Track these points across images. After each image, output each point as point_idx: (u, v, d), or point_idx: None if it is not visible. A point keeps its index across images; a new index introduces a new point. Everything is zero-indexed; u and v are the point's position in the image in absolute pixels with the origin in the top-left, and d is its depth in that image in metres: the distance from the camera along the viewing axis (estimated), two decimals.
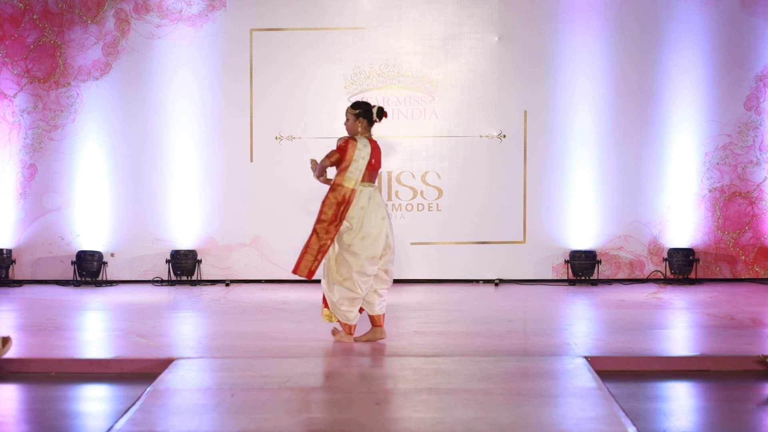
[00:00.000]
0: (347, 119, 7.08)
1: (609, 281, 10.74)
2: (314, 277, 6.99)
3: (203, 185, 10.93)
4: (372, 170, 7.03)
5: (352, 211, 6.91)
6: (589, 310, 9.04)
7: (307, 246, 6.91)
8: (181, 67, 10.86)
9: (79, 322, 8.55)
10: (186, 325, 8.38)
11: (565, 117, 10.80)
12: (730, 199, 10.81)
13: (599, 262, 10.71)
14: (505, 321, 8.06)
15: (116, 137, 10.91)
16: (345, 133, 7.18)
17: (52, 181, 10.92)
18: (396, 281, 10.02)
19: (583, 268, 10.67)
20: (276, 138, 10.84)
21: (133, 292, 10.25)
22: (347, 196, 6.90)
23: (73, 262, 10.74)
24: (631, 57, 10.74)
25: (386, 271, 7.02)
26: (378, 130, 10.57)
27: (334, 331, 7.11)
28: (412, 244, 10.81)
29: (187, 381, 5.86)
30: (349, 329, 6.99)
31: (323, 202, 6.94)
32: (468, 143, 10.82)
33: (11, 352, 6.43)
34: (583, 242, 10.81)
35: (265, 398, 5.39)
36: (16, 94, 10.87)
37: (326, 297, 6.98)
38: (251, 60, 10.86)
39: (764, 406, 5.53)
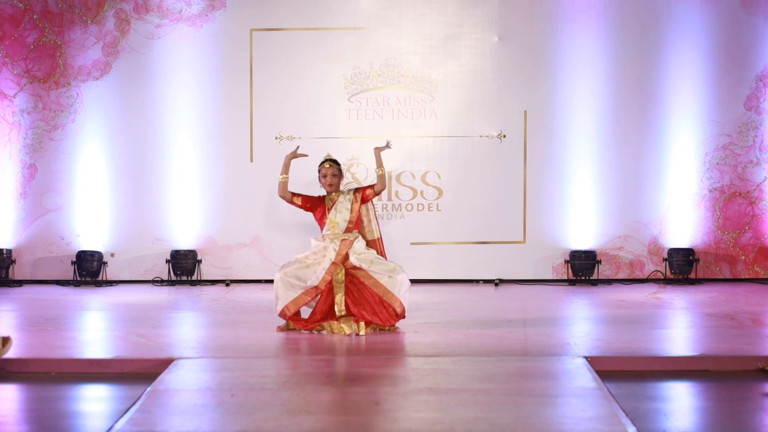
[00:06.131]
0: (341, 175, 7.72)
1: (609, 281, 10.74)
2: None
3: (203, 185, 10.93)
4: None
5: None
6: (589, 310, 9.04)
7: None
8: (181, 67, 10.87)
9: (79, 322, 8.55)
10: (186, 325, 8.37)
11: (565, 117, 10.80)
12: (730, 199, 10.81)
13: (599, 262, 10.71)
14: (505, 321, 8.06)
15: (116, 137, 10.91)
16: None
17: (52, 181, 10.92)
18: None
19: (583, 268, 10.67)
20: (276, 138, 10.83)
21: (133, 292, 10.25)
22: None
23: (73, 262, 10.74)
24: (631, 57, 10.74)
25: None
26: (378, 130, 10.70)
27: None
28: (412, 244, 10.81)
29: (187, 381, 5.86)
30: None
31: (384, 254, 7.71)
32: (468, 143, 10.81)
33: (11, 352, 6.43)
34: (583, 242, 10.81)
35: (265, 398, 5.39)
36: (16, 94, 10.87)
37: (397, 303, 7.40)
38: (251, 60, 10.86)
39: (764, 406, 5.53)
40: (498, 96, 10.78)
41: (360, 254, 7.45)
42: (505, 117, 10.79)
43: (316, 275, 7.41)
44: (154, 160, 10.91)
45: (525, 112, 10.80)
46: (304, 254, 7.57)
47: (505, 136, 10.81)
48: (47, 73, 10.86)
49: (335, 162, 7.64)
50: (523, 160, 10.82)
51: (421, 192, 10.88)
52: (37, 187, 10.91)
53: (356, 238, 7.50)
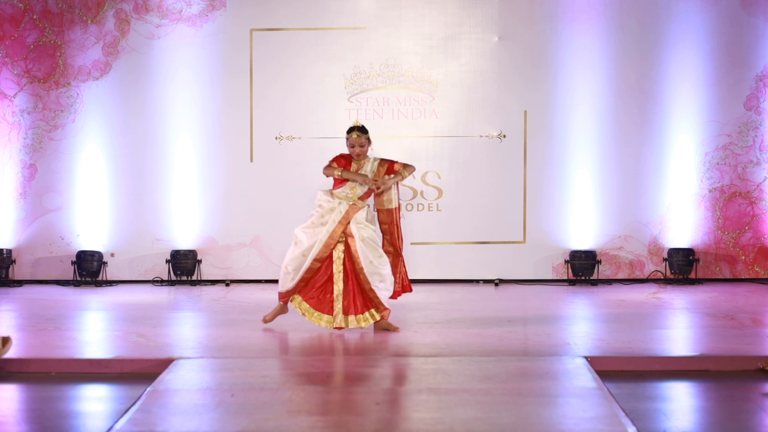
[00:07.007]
0: (370, 142, 7.56)
1: (609, 281, 10.74)
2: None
3: (203, 185, 10.93)
4: None
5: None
6: (589, 310, 9.04)
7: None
8: (181, 67, 10.86)
9: (79, 322, 8.55)
10: (186, 325, 8.37)
11: (565, 117, 10.80)
12: (730, 199, 10.81)
13: (599, 262, 10.71)
14: (505, 321, 8.06)
15: (116, 137, 10.91)
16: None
17: (52, 181, 10.92)
18: None
19: (583, 268, 10.67)
20: (276, 138, 10.84)
21: (133, 292, 10.25)
22: None
23: (73, 262, 10.74)
24: (631, 57, 10.74)
25: None
26: (378, 130, 10.69)
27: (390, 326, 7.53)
28: (412, 244, 10.81)
29: (187, 381, 5.86)
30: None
31: (399, 224, 7.66)
32: (468, 143, 10.82)
33: (11, 352, 6.43)
34: (583, 242, 10.81)
35: (265, 398, 5.39)
36: (16, 94, 10.87)
37: (379, 290, 7.39)
38: (251, 60, 10.85)
39: (764, 406, 5.53)
40: (498, 96, 10.78)
41: (360, 224, 7.42)
42: (505, 117, 10.79)
43: (320, 239, 7.34)
44: (154, 160, 10.91)
45: (525, 112, 10.80)
46: (307, 223, 7.48)
47: (505, 136, 10.81)
48: (47, 73, 10.86)
49: (362, 131, 7.48)
50: (523, 160, 10.82)
51: (421, 192, 10.88)
52: (37, 187, 10.91)
53: (363, 207, 7.47)
